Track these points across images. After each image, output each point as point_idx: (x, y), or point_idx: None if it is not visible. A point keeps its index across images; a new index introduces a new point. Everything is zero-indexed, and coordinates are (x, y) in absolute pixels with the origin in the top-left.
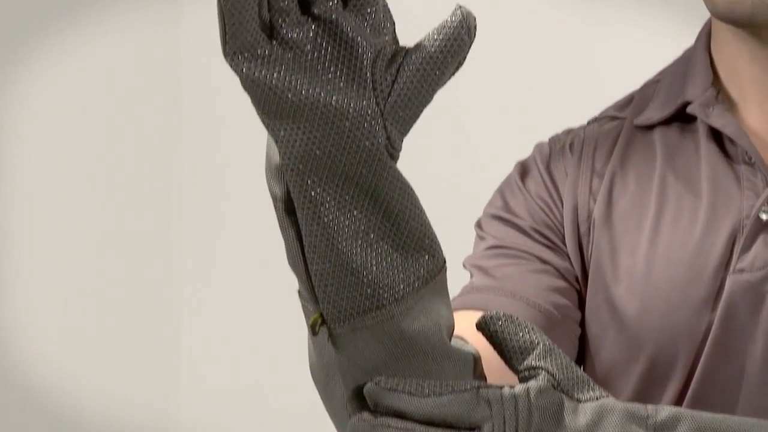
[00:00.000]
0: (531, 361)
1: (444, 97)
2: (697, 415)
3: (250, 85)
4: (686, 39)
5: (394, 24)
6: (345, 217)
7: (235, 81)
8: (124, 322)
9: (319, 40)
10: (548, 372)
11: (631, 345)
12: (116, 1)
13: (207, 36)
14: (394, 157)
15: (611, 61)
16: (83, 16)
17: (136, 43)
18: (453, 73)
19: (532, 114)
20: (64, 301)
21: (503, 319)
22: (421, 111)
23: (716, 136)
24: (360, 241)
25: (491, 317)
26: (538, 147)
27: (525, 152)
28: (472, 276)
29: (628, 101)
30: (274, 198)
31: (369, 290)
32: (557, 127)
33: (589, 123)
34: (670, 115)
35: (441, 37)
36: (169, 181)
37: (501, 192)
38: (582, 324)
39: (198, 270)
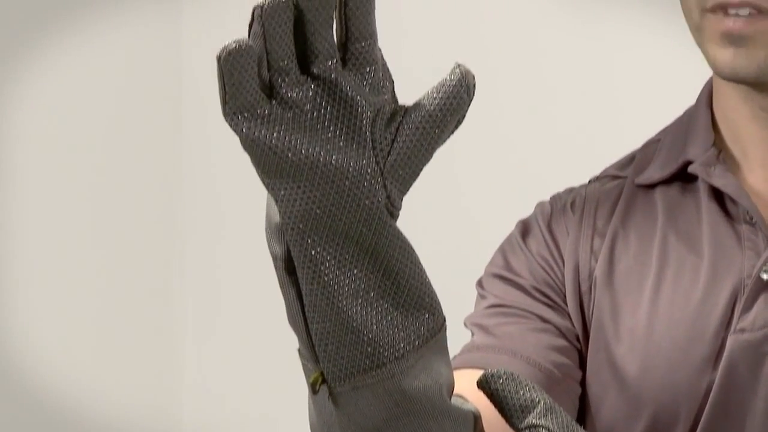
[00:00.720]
0: (532, 419)
1: (441, 154)
2: None
3: (249, 144)
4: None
5: (393, 83)
6: (345, 276)
7: None
8: (127, 324)
9: (318, 100)
10: (549, 430)
11: (633, 404)
12: (116, 1)
13: (208, 35)
14: (394, 215)
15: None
16: (83, 16)
17: (136, 43)
18: (452, 132)
19: (530, 172)
20: (66, 304)
21: (504, 377)
22: (421, 169)
23: (717, 196)
24: (360, 300)
25: (492, 375)
26: (540, 206)
27: (521, 210)
28: (473, 335)
29: (629, 160)
30: (275, 257)
31: (369, 349)
32: (553, 184)
33: (590, 182)
34: (671, 175)
35: (440, 96)
36: (172, 181)
37: (502, 251)
38: (582, 383)
39: (201, 271)
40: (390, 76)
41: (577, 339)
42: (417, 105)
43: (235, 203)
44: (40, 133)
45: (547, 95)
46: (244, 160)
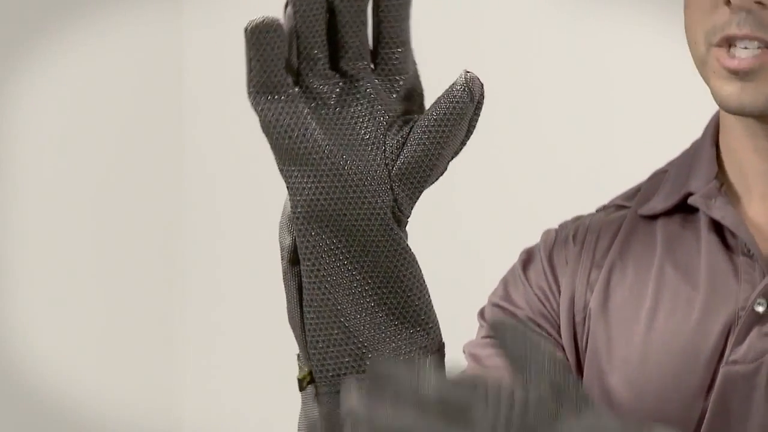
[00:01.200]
0: (536, 369)
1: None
2: None
3: (267, 126)
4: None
5: (422, 95)
6: (344, 273)
7: (237, 81)
8: (128, 325)
9: (343, 96)
10: (551, 381)
11: None
12: (117, 1)
13: (208, 35)
14: (401, 222)
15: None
16: (83, 16)
17: (136, 43)
18: (464, 140)
19: (527, 173)
20: (67, 305)
21: (513, 327)
22: (430, 176)
23: (718, 228)
24: (355, 301)
25: (503, 323)
26: (545, 234)
27: (515, 211)
28: (467, 363)
29: (636, 191)
30: (282, 248)
31: (356, 350)
32: (551, 185)
33: (597, 210)
34: (673, 206)
35: (444, 102)
36: (173, 181)
37: (504, 281)
38: None
39: (202, 271)
40: (420, 86)
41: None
42: (426, 112)
43: (236, 204)
44: (41, 133)
45: (545, 95)
46: (244, 161)
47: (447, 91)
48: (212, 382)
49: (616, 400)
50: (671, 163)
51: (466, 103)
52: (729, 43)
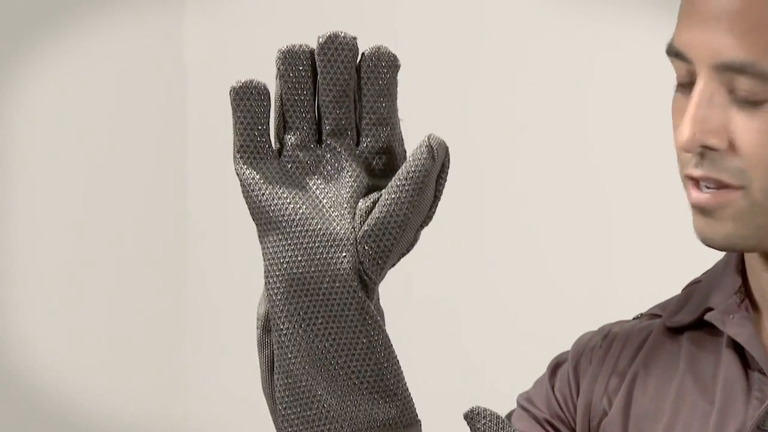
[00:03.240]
0: None
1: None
2: None
3: (246, 189)
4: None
5: (410, 171)
6: (312, 341)
7: (239, 77)
8: (131, 327)
9: (322, 167)
10: None
11: None
12: (118, 1)
13: (211, 37)
14: (368, 287)
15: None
16: (85, 16)
17: (138, 44)
18: (430, 204)
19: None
20: (69, 307)
21: (487, 418)
22: (397, 239)
23: (737, 343)
24: (323, 369)
25: (477, 414)
26: (577, 341)
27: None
28: None
29: (672, 300)
30: (257, 318)
31: (324, 421)
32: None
33: (634, 317)
34: (696, 320)
35: (407, 164)
36: (177, 182)
37: (535, 383)
38: None
39: (206, 273)
40: (403, 161)
41: None
42: (394, 177)
43: (241, 204)
44: (43, 133)
45: (534, 95)
46: None
47: (410, 154)
48: (217, 385)
49: None
50: (707, 272)
51: (429, 164)
52: (692, 180)
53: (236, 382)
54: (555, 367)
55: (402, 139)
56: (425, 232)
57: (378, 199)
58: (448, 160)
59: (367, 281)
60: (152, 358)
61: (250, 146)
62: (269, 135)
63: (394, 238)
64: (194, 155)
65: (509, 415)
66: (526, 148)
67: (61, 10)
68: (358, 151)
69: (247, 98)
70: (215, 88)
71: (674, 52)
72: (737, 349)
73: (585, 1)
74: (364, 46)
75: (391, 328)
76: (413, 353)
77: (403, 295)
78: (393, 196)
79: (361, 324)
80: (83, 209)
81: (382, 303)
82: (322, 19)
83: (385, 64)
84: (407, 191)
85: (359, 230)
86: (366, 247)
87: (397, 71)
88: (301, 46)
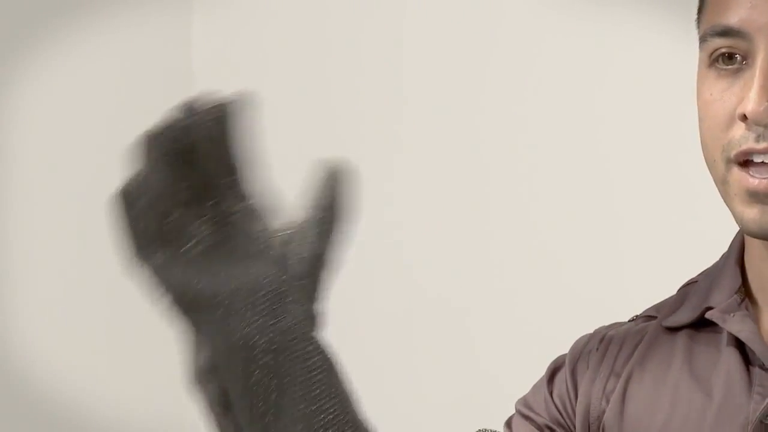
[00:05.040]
0: None
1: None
2: None
3: (154, 287)
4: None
5: (274, 206)
6: (261, 411)
7: (247, 83)
8: (134, 326)
9: (218, 237)
10: None
11: None
12: (126, 3)
13: (219, 35)
14: (310, 324)
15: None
16: (91, 15)
17: (145, 46)
18: (341, 226)
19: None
20: (73, 308)
21: None
22: (323, 274)
23: (738, 341)
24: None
25: None
26: (576, 343)
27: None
28: None
29: (667, 301)
30: (207, 403)
31: None
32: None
33: (629, 320)
34: (695, 320)
35: (316, 198)
36: None
37: (533, 388)
38: None
39: None
40: (271, 200)
41: None
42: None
43: None
44: (47, 136)
45: (542, 97)
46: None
47: (314, 186)
48: None
49: None
50: (703, 273)
51: (334, 198)
52: (747, 158)
53: None
54: (552, 372)
55: (259, 177)
56: (433, 232)
57: (290, 236)
58: (344, 181)
59: (310, 324)
60: (158, 359)
61: (142, 244)
62: (157, 232)
63: (320, 272)
64: None
65: (508, 422)
66: (533, 149)
67: (68, 11)
68: (239, 210)
69: (126, 203)
70: (223, 86)
71: (723, 31)
72: (738, 346)
73: (591, 2)
74: (370, 50)
75: (400, 329)
76: (422, 354)
77: (412, 295)
78: (304, 231)
79: (312, 376)
80: (86, 211)
81: (393, 304)
82: (330, 22)
83: (214, 119)
84: (317, 223)
85: (284, 275)
86: (297, 288)
87: (232, 116)
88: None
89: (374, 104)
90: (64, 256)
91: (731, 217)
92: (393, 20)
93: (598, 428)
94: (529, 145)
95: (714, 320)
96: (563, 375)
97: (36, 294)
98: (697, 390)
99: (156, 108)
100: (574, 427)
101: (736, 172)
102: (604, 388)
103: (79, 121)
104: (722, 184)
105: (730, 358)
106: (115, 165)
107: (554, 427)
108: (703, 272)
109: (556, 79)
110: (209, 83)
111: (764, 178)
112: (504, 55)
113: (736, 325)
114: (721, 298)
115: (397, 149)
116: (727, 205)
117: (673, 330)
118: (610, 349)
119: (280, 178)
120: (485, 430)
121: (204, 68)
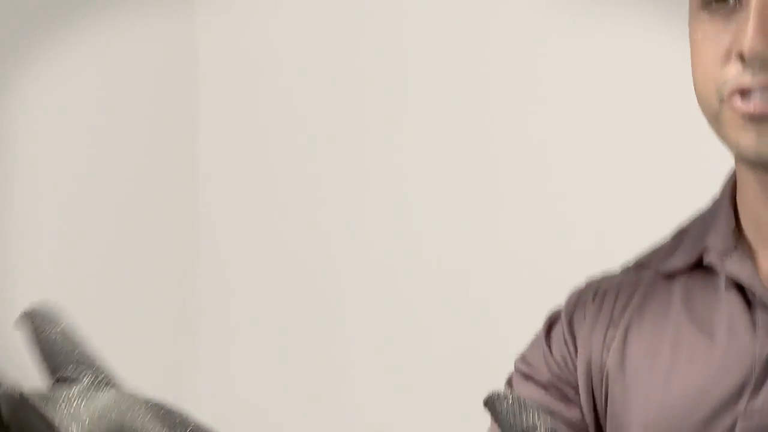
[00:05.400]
0: None
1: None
2: None
3: None
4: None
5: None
6: None
7: (252, 81)
8: (142, 328)
9: None
10: None
11: None
12: (129, 2)
13: (223, 32)
14: None
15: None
16: (96, 15)
17: (150, 44)
18: None
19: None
20: (80, 302)
21: (509, 400)
22: None
23: (737, 283)
24: None
25: (498, 397)
26: (569, 297)
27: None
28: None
29: (657, 249)
30: None
31: None
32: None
33: (621, 270)
34: (691, 264)
35: None
36: (187, 184)
37: (529, 344)
38: None
39: (217, 272)
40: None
41: (586, 430)
42: None
43: (254, 204)
44: (56, 132)
45: (541, 97)
46: (260, 157)
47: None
48: (228, 380)
49: None
50: (692, 220)
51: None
52: (742, 94)
53: (250, 379)
54: (549, 327)
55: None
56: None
57: None
58: None
59: None
60: (164, 356)
61: None
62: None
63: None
64: (207, 151)
65: (509, 381)
66: (528, 150)
67: (71, 8)
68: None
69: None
70: (229, 89)
71: None
72: (737, 288)
73: (591, 1)
74: (373, 47)
75: (402, 294)
76: (425, 319)
77: (413, 259)
78: None
79: None
80: (97, 204)
81: (391, 268)
82: (333, 14)
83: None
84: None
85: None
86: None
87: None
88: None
89: (378, 101)
90: (64, 255)
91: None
92: (395, 17)
93: (601, 379)
94: (537, 130)
95: (711, 263)
96: (560, 330)
97: (37, 294)
98: (699, 333)
99: (160, 106)
100: (576, 381)
101: (731, 101)
102: (604, 338)
103: (82, 120)
104: (715, 120)
105: (730, 300)
106: (118, 164)
107: (557, 383)
108: (693, 217)
109: (556, 77)
110: (214, 82)
111: (759, 102)
112: (504, 55)
113: (734, 266)
114: (717, 239)
115: (401, 138)
116: (721, 139)
117: (669, 277)
118: (606, 300)
119: (283, 175)
120: (497, 391)
121: (209, 67)
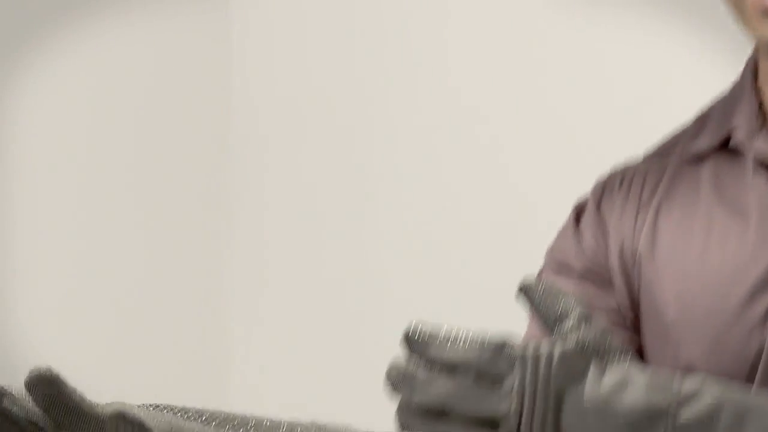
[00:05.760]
0: (565, 327)
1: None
2: (722, 388)
3: None
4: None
5: None
6: None
7: (285, 82)
8: (174, 336)
9: None
10: (578, 337)
11: (687, 371)
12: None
13: (258, 29)
14: None
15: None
16: (126, 9)
17: (184, 39)
18: None
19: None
20: (72, 306)
21: (542, 288)
22: None
23: (764, 163)
24: None
25: (532, 285)
26: (595, 185)
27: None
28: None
29: (681, 134)
30: None
31: None
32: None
33: (644, 157)
34: (717, 145)
35: None
36: (218, 188)
37: (559, 235)
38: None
39: (249, 279)
40: None
41: (623, 316)
42: None
43: (286, 208)
44: (83, 125)
45: (542, 97)
46: (291, 149)
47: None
48: (260, 377)
49: (677, 342)
50: (713, 105)
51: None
52: None
53: (282, 375)
54: (577, 216)
55: None
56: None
57: None
58: None
59: None
60: (194, 352)
61: None
62: None
63: None
64: (238, 142)
65: (539, 275)
66: (528, 150)
67: (103, 7)
68: None
69: None
70: (263, 79)
71: None
72: (766, 168)
73: (588, 1)
74: (372, 48)
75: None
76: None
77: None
78: None
79: None
80: (125, 215)
81: (420, 273)
82: (366, 12)
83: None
84: None
85: None
86: None
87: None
88: None
89: (377, 100)
90: (64, 256)
91: None
92: (400, 17)
93: (634, 264)
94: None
95: (739, 142)
96: (589, 220)
97: (37, 294)
98: (731, 214)
99: (193, 101)
100: (608, 268)
101: None
102: (635, 223)
103: (121, 118)
104: (737, 7)
105: (759, 180)
106: (150, 164)
107: (588, 271)
108: (711, 105)
109: (556, 75)
110: (247, 77)
111: None
112: (503, 55)
113: (763, 144)
114: (743, 119)
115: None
116: (742, 24)
117: (694, 162)
118: (633, 186)
119: (315, 170)
120: (530, 278)
121: (242, 62)
